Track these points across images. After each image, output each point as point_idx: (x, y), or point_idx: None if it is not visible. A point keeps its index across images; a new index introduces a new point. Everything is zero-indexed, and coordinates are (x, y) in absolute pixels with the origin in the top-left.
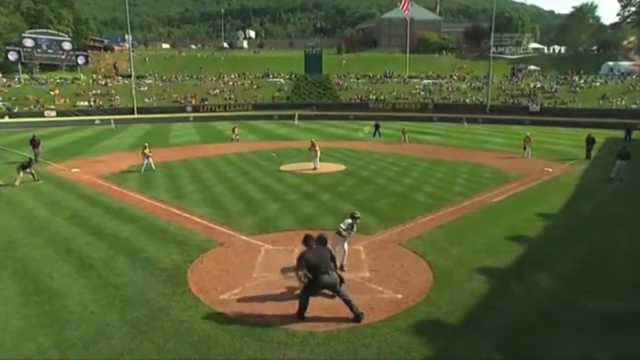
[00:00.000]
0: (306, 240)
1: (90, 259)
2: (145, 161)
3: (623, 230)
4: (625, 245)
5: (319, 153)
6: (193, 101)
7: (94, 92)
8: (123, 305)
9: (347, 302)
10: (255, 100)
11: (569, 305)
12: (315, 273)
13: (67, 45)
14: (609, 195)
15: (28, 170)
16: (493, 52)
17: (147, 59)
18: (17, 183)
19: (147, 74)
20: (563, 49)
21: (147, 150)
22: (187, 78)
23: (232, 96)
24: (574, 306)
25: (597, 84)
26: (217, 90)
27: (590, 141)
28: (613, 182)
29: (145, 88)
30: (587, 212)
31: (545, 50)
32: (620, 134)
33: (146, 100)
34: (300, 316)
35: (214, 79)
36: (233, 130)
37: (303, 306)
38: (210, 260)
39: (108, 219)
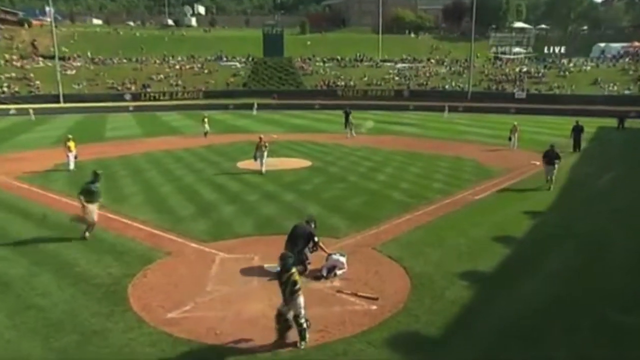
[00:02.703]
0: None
1: (6, 277)
2: (71, 157)
3: (616, 226)
4: (619, 242)
5: (265, 154)
6: (133, 88)
7: (7, 75)
8: (48, 330)
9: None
10: (207, 87)
11: (560, 311)
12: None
13: None
14: (601, 190)
15: None
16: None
17: (75, 36)
18: None
19: (75, 55)
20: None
21: (70, 144)
22: (124, 61)
23: (180, 82)
24: (565, 311)
25: (588, 67)
26: (162, 76)
27: (577, 130)
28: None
29: (74, 72)
30: (578, 208)
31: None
32: (612, 122)
33: (75, 86)
34: None
35: (157, 62)
36: (203, 121)
37: None
38: (156, 273)
39: (29, 228)
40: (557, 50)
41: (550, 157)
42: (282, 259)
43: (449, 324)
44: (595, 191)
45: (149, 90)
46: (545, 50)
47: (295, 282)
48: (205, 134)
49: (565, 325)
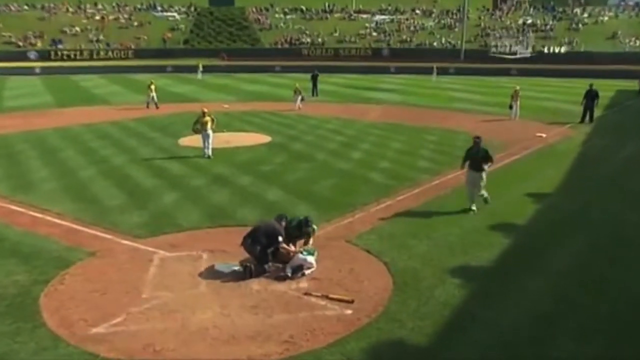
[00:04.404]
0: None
1: None
2: None
3: (635, 212)
4: (638, 232)
5: (211, 132)
6: (39, 44)
7: None
8: None
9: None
10: (137, 44)
11: (569, 314)
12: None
13: None
14: (618, 168)
15: None
16: None
17: None
18: None
19: None
20: None
21: None
22: (26, 8)
23: (102, 37)
24: (575, 315)
25: (605, 18)
26: (77, 29)
27: (591, 96)
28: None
29: None
30: (591, 191)
31: None
32: (633, 85)
33: None
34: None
35: (71, 10)
36: (149, 88)
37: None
38: (77, 279)
39: None
40: (557, 50)
41: (476, 157)
42: None
43: (439, 329)
44: (611, 169)
45: (60, 47)
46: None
47: None
48: (153, 104)
49: (575, 331)
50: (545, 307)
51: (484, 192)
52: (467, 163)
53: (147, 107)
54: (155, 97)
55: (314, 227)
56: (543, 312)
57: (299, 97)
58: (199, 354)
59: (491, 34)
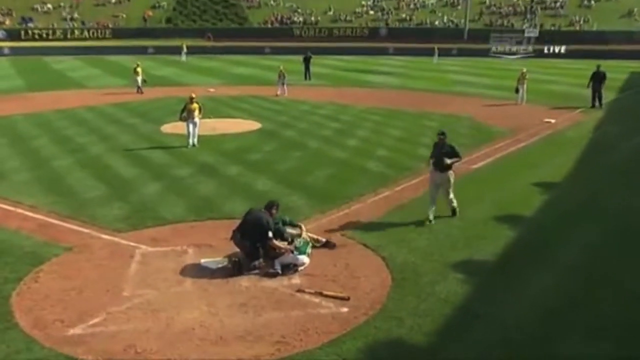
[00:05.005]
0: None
1: None
2: None
3: None
4: None
5: (198, 120)
6: (7, 22)
7: None
8: None
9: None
10: (116, 22)
11: (579, 313)
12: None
13: None
14: (631, 155)
15: None
16: None
17: None
18: None
19: None
20: None
21: None
22: None
23: (76, 15)
24: (585, 313)
25: None
26: (49, 6)
27: (598, 78)
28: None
29: None
30: (602, 180)
31: None
32: None
33: None
34: None
35: None
36: (135, 72)
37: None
38: (52, 276)
39: None
40: (557, 49)
41: (439, 155)
42: None
43: (440, 327)
44: (622, 157)
45: (31, 25)
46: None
47: None
48: (136, 87)
49: (583, 328)
50: (551, 304)
51: (453, 200)
52: (432, 162)
53: (140, 92)
54: (139, 81)
55: (302, 226)
56: (549, 308)
57: (284, 81)
58: (184, 355)
59: (497, 12)
